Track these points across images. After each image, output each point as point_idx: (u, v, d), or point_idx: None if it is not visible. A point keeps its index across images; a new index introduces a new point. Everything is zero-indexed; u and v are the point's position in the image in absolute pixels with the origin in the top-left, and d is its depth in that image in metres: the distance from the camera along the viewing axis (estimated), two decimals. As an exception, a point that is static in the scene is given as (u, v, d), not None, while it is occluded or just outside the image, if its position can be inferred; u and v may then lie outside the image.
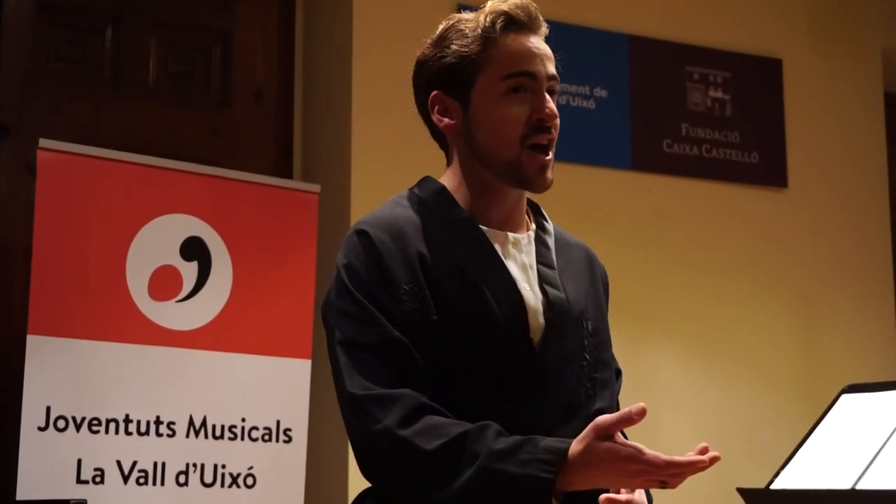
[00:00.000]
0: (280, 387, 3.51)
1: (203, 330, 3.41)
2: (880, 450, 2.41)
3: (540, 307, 1.89)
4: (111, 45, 3.93)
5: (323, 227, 3.74)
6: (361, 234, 1.87)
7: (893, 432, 2.44)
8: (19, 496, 3.08)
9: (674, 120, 4.47)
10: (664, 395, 4.27)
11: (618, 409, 1.96)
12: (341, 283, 1.86)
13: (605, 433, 1.67)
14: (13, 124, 3.73)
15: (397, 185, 3.89)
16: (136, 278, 3.34)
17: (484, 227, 1.93)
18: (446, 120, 1.95)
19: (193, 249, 3.44)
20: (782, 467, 2.58)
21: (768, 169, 4.62)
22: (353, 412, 1.79)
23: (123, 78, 3.93)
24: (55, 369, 3.18)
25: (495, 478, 1.69)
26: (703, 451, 1.70)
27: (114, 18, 3.93)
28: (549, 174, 1.92)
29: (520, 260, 1.94)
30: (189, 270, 3.43)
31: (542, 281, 1.93)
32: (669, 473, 1.66)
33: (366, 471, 1.82)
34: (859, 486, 2.35)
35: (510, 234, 1.95)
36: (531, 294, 1.90)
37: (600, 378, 1.95)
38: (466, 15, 1.97)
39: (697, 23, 4.58)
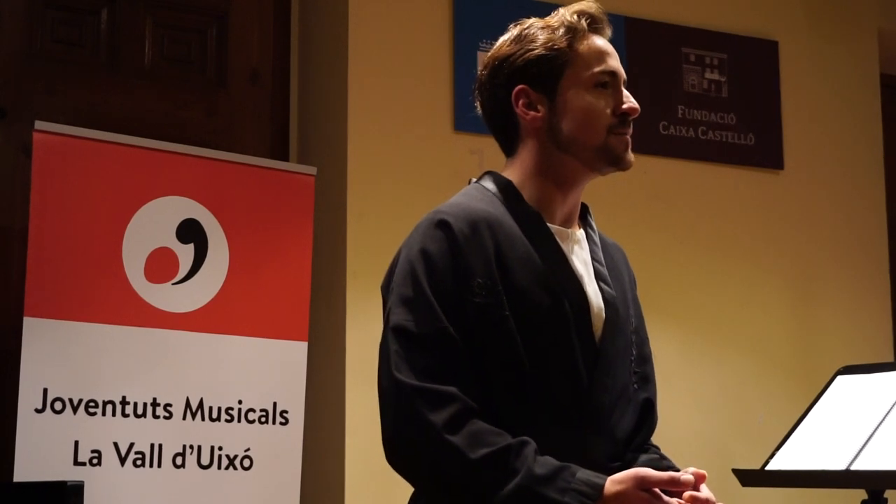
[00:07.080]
0: (276, 369, 3.51)
1: (199, 312, 3.42)
2: (875, 430, 2.42)
3: (600, 303, 1.96)
4: (107, 27, 3.92)
5: (319, 209, 3.74)
6: (443, 224, 1.88)
7: (888, 413, 2.45)
8: (16, 478, 3.09)
9: (670, 102, 4.46)
10: (659, 377, 4.24)
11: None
12: (409, 268, 1.87)
13: (646, 486, 1.75)
14: (9, 106, 3.72)
15: (393, 167, 3.94)
16: (133, 261, 3.34)
17: (549, 224, 1.97)
18: (532, 113, 1.98)
19: (190, 232, 3.44)
20: (778, 448, 2.59)
21: (764, 151, 4.61)
22: (398, 401, 1.81)
23: (119, 59, 3.92)
24: (52, 351, 3.18)
25: (533, 499, 1.74)
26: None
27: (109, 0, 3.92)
28: (631, 154, 2.00)
29: (581, 256, 2.00)
30: (185, 253, 3.43)
31: (598, 278, 2.00)
32: None
33: (401, 461, 1.84)
34: (854, 467, 2.36)
35: (571, 231, 2.01)
36: (592, 290, 1.96)
37: (642, 372, 2.05)
38: (538, 20, 2.02)
39: (693, 4, 4.57)
